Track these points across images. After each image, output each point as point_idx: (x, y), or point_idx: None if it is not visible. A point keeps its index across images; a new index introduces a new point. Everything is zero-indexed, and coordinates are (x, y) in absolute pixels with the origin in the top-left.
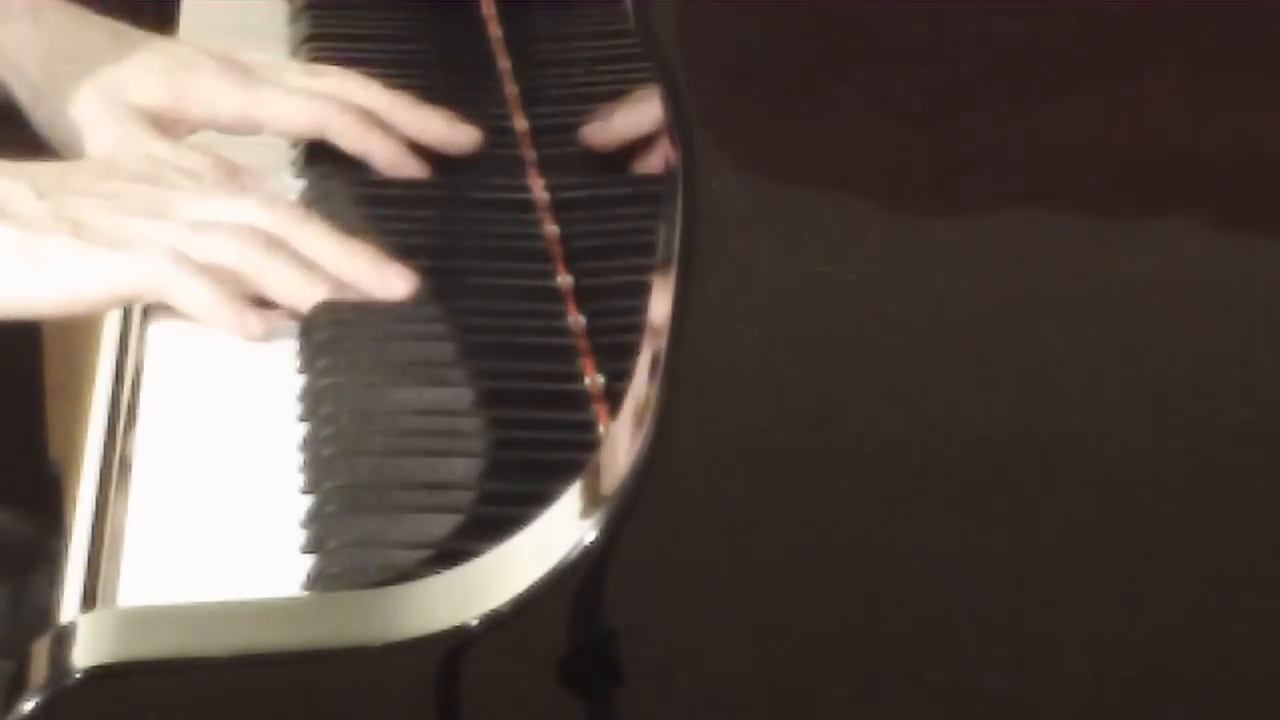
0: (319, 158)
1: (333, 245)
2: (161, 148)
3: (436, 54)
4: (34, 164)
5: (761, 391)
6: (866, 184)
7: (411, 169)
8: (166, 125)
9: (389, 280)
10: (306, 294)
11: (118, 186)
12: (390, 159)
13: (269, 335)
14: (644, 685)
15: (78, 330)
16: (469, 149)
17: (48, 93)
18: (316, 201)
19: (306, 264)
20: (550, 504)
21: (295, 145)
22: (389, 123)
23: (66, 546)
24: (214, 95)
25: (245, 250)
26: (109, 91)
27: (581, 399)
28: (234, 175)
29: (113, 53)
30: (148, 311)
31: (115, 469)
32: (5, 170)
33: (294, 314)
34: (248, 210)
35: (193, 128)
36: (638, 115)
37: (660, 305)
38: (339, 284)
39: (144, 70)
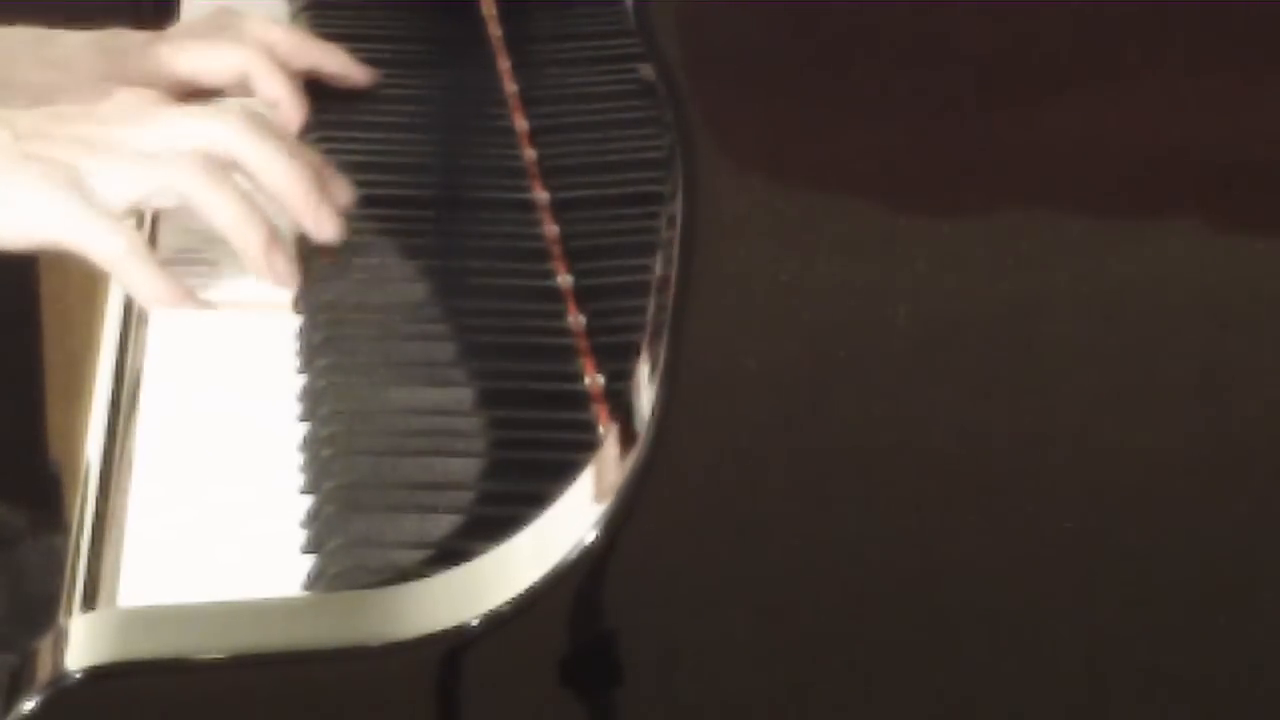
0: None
1: (280, 171)
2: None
3: (436, 54)
4: (12, 110)
5: (761, 392)
6: (866, 184)
7: (299, 114)
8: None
9: (321, 220)
10: (241, 234)
11: (90, 129)
12: (293, 107)
13: (180, 302)
14: (644, 685)
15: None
16: (366, 83)
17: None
18: None
19: (251, 192)
20: (550, 504)
21: None
22: (297, 58)
23: (67, 546)
24: (144, 57)
25: (189, 182)
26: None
27: (581, 399)
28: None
29: (40, 47)
30: (147, 312)
31: (115, 469)
32: None
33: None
34: (202, 130)
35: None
36: None
37: (660, 306)
38: (274, 232)
39: (79, 44)
